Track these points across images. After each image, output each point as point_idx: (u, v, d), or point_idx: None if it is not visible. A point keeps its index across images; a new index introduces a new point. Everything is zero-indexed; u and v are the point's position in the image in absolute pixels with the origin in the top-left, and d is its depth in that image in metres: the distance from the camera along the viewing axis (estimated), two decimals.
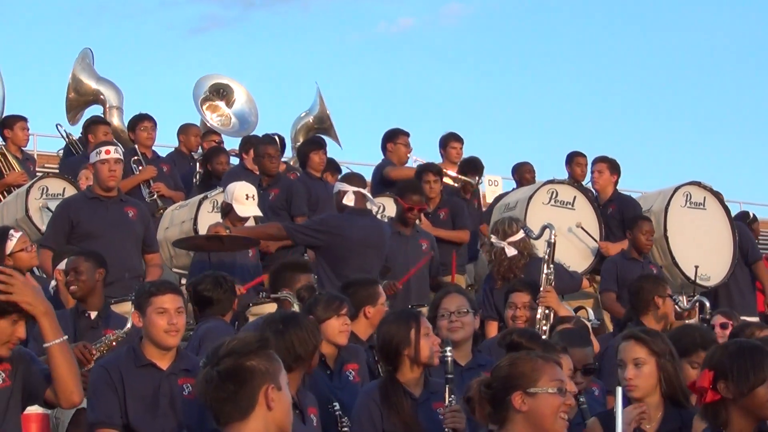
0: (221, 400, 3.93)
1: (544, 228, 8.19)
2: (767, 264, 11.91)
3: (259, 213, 9.96)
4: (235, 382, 3.92)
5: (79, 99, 14.60)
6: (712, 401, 4.78)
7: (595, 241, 11.40)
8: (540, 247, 8.79)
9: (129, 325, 7.12)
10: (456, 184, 12.57)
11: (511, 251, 9.02)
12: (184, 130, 13.65)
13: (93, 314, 7.80)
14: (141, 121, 12.57)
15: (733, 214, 12.57)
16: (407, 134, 12.71)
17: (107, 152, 9.38)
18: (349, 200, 9.29)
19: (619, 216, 11.60)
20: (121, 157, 9.56)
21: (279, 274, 8.17)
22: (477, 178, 12.76)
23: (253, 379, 3.91)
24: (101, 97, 14.59)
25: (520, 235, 9.04)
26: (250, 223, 10.24)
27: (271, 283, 8.23)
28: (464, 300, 7.07)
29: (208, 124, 14.85)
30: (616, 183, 11.98)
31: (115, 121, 14.06)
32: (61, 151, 14.11)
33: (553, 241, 8.06)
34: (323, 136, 14.17)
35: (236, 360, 3.93)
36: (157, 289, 6.45)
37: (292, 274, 8.06)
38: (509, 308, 8.10)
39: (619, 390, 4.49)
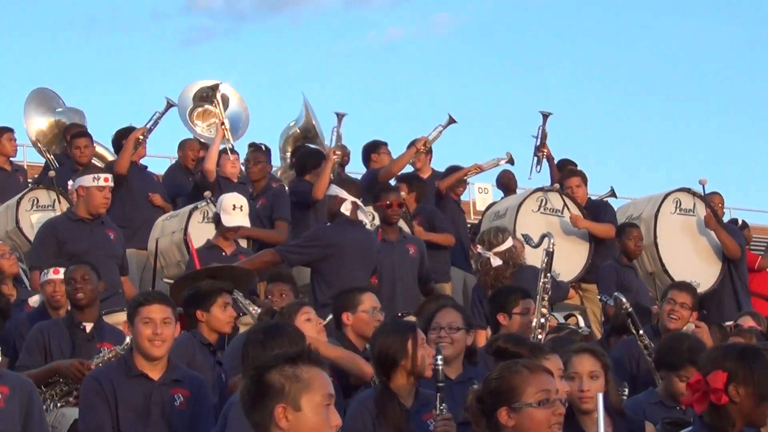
0: (246, 411, 3.95)
1: (543, 237, 8.17)
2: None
3: (247, 224, 9.94)
4: (253, 396, 3.92)
5: (46, 136, 14.37)
6: (720, 405, 4.56)
7: (569, 210, 11.43)
8: (533, 255, 8.78)
9: (128, 340, 7.03)
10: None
11: (496, 261, 8.99)
12: (182, 145, 13.55)
13: (88, 326, 7.76)
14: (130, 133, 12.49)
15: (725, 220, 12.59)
16: (387, 144, 12.90)
17: (106, 180, 9.50)
18: (346, 209, 9.27)
19: (593, 219, 11.60)
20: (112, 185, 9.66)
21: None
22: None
23: (266, 396, 3.89)
24: (63, 122, 14.39)
25: (507, 244, 9.02)
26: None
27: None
28: (458, 316, 6.88)
29: (195, 136, 14.73)
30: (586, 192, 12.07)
31: None
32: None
33: (551, 250, 8.05)
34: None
35: (258, 373, 3.93)
36: (145, 299, 6.46)
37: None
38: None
39: (600, 396, 4.43)
